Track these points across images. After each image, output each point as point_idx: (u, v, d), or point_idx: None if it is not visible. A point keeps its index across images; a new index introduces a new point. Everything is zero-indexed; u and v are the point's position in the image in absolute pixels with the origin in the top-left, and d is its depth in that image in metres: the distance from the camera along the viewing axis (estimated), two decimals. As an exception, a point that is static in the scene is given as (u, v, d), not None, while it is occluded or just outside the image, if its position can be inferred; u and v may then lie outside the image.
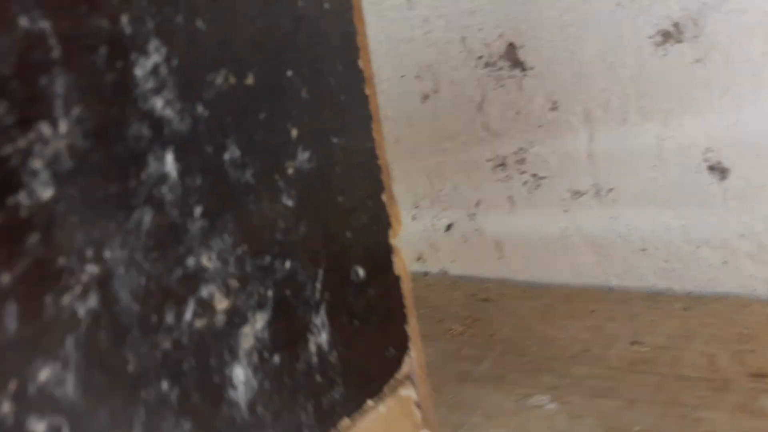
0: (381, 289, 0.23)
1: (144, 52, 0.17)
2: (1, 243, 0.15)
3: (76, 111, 0.16)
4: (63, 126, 0.16)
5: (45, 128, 0.15)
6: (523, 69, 0.54)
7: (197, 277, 0.18)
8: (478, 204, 0.59)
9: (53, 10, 0.16)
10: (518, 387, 0.41)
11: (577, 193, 0.53)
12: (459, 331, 0.50)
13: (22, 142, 0.15)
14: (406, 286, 0.24)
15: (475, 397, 0.41)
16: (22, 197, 0.15)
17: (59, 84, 0.16)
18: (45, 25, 0.16)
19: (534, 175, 0.55)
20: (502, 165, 0.57)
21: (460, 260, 0.62)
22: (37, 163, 0.15)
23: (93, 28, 0.16)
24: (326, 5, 0.22)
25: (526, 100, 0.54)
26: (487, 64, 0.55)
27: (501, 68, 0.55)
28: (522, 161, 0.56)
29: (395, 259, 0.24)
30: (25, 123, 0.15)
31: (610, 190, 0.52)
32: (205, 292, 0.18)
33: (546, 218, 0.56)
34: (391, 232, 0.24)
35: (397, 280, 0.24)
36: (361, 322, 0.22)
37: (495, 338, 0.48)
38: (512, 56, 0.54)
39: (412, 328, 0.24)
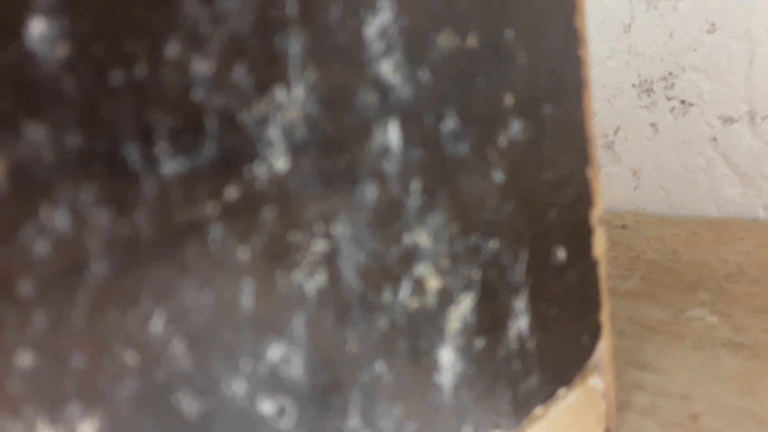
0: (580, 274, 0.21)
1: (373, 9, 0.16)
2: (238, 216, 0.14)
3: (310, 76, 0.15)
4: (298, 92, 0.15)
5: (280, 94, 0.14)
6: (680, -11, 0.50)
7: (413, 255, 0.17)
8: (617, 131, 0.56)
9: None
10: (673, 302, 0.39)
11: (728, 120, 0.50)
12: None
13: (259, 109, 0.14)
14: (603, 271, 0.22)
15: (628, 310, 0.39)
16: (259, 168, 0.14)
17: (294, 45, 0.15)
18: None
19: (683, 102, 0.52)
20: (649, 90, 0.53)
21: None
22: (273, 132, 0.14)
23: None
24: (548, -44, 0.20)
25: (680, 23, 0.51)
26: (640, -15, 0.52)
27: (655, -11, 0.52)
28: (671, 87, 0.52)
29: (595, 241, 0.22)
30: (262, 87, 0.14)
31: (766, 117, 0.48)
32: (418, 271, 0.17)
33: (691, 146, 0.53)
34: (593, 211, 0.22)
35: (595, 264, 0.22)
36: (559, 308, 0.21)
37: (640, 259, 0.46)
38: (668, -23, 0.51)
39: (605, 314, 0.23)
